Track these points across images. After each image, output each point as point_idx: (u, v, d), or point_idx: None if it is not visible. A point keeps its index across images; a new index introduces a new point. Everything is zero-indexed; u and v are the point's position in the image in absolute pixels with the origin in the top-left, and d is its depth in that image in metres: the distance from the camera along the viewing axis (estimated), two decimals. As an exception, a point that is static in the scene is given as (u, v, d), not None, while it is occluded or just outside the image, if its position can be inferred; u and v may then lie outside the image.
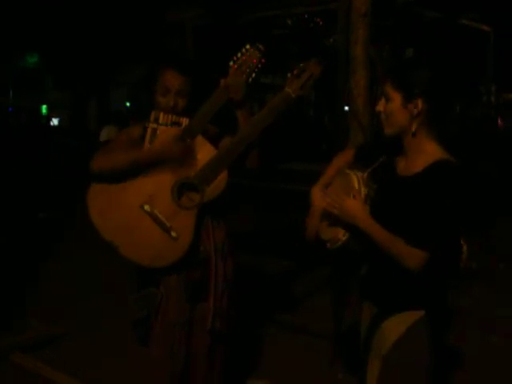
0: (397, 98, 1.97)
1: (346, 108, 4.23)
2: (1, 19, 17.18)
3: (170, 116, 2.44)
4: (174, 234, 2.38)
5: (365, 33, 3.78)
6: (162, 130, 2.42)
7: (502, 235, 6.52)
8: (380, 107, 2.03)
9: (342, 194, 2.09)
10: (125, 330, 2.68)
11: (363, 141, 3.84)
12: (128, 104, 27.03)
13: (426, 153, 1.97)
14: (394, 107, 1.98)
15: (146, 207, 2.39)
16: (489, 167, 5.92)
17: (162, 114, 2.44)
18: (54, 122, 28.01)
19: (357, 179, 2.07)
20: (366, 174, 2.11)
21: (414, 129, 1.96)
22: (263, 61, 2.48)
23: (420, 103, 1.93)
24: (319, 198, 2.30)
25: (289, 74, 2.48)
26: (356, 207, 2.02)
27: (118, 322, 3.26)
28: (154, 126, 2.43)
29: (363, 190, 2.05)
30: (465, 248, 2.10)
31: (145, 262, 2.40)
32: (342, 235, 2.09)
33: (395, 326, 2.03)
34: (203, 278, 2.51)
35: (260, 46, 2.48)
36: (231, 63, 2.46)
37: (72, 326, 4.40)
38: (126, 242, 2.38)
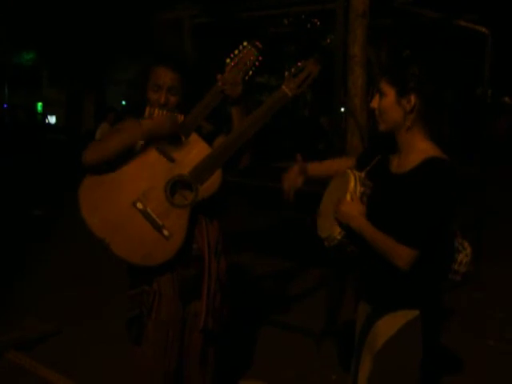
0: (390, 94, 1.99)
1: (342, 109, 4.23)
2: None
3: (164, 112, 2.43)
4: (166, 232, 2.36)
5: (363, 32, 3.79)
6: None
7: (491, 236, 6.52)
8: (374, 103, 2.05)
9: (339, 196, 2.09)
10: (120, 327, 2.67)
11: (360, 140, 3.84)
12: (124, 102, 27.02)
13: (418, 150, 1.98)
14: (388, 103, 1.99)
15: (139, 205, 2.36)
16: (482, 169, 5.96)
17: (156, 111, 2.42)
18: (51, 119, 27.98)
19: (354, 178, 2.08)
20: (363, 173, 2.12)
21: (407, 125, 1.97)
22: (260, 58, 2.46)
23: (413, 99, 1.95)
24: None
25: (286, 73, 2.46)
26: (349, 207, 2.03)
27: (113, 319, 3.25)
28: (149, 121, 2.41)
29: (359, 189, 2.06)
30: (469, 251, 2.10)
31: (136, 260, 2.37)
32: (337, 233, 2.09)
33: (389, 325, 2.02)
34: (196, 277, 2.49)
35: (257, 43, 2.46)
36: (228, 60, 2.45)
37: (66, 323, 4.38)
38: (117, 240, 2.34)
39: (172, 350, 2.49)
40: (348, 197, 2.05)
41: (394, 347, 2.00)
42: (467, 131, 9.08)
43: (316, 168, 2.48)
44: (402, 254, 1.91)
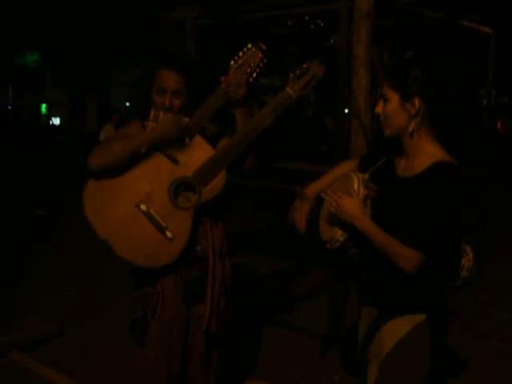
0: (394, 99, 1.97)
1: (346, 110, 4.22)
2: (1, 17, 17.18)
3: (169, 115, 2.42)
4: (169, 234, 2.35)
5: (367, 33, 3.78)
6: None
7: (493, 236, 6.52)
8: (378, 109, 2.04)
9: (340, 192, 2.08)
10: (120, 327, 2.67)
11: (364, 141, 3.84)
12: (128, 104, 27.03)
13: (426, 154, 1.96)
14: (392, 108, 1.98)
15: (142, 206, 2.36)
16: (484, 169, 5.95)
17: (161, 113, 2.42)
18: (55, 121, 28.00)
19: (357, 180, 2.06)
20: (366, 176, 2.10)
21: (412, 129, 1.96)
22: (265, 60, 2.46)
23: (417, 102, 1.93)
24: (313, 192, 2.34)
25: (291, 74, 2.45)
26: (353, 206, 2.01)
27: (113, 319, 3.25)
28: (154, 124, 2.41)
29: (362, 191, 2.04)
30: (471, 256, 2.09)
31: (139, 261, 2.37)
32: (339, 235, 2.08)
33: (396, 329, 2.01)
34: (200, 279, 2.49)
35: (262, 45, 2.46)
36: (232, 62, 2.44)
37: (66, 323, 4.38)
38: (120, 241, 2.34)
39: (175, 351, 2.48)
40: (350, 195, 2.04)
41: (402, 352, 1.99)
42: (470, 131, 9.06)
43: (317, 189, 2.37)
44: (408, 257, 1.89)
